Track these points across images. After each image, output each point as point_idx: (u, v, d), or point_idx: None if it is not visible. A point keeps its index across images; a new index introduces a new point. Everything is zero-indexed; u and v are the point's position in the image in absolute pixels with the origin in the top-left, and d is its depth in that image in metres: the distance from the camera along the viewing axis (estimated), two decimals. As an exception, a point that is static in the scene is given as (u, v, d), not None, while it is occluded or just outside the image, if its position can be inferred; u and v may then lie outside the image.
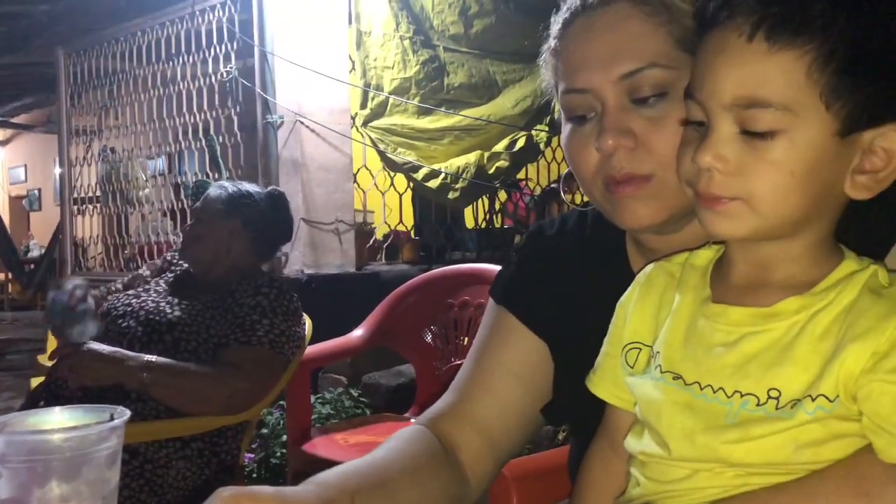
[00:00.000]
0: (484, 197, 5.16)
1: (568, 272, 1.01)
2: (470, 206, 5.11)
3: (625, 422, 0.81)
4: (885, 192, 0.68)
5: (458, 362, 2.42)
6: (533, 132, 4.72)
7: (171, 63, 4.90)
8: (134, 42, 5.15)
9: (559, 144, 5.95)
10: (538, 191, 5.79)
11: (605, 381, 0.82)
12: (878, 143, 0.65)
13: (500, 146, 4.63)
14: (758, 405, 0.67)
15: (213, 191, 2.10)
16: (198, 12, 4.63)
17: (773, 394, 0.66)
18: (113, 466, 0.67)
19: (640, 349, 0.78)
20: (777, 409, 0.66)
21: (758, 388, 0.67)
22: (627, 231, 0.95)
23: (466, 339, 2.67)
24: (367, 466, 0.83)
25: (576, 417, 0.99)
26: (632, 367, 0.78)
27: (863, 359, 0.63)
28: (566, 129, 0.90)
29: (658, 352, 0.75)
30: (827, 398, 0.64)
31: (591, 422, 0.88)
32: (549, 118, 4.78)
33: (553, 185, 6.00)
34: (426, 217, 5.08)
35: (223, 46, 4.49)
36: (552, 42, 0.92)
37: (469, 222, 5.44)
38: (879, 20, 0.62)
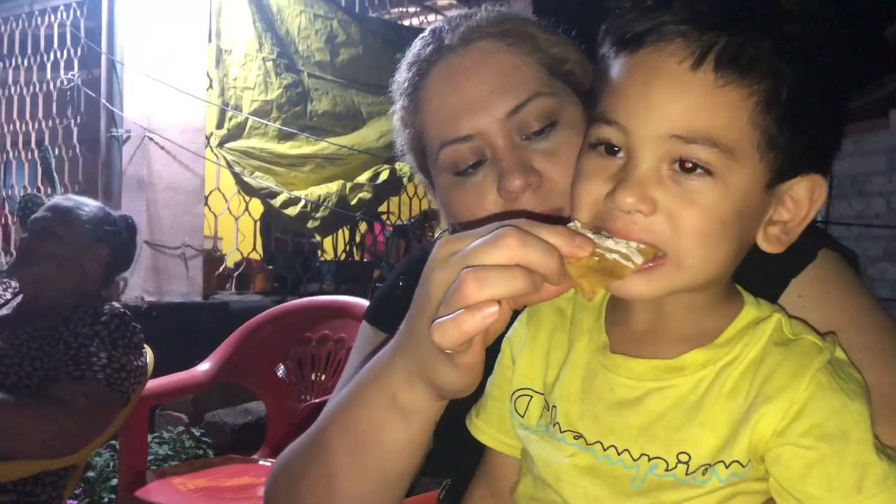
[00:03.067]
0: (344, 228, 5.05)
1: None
2: (329, 238, 4.98)
3: (510, 469, 0.75)
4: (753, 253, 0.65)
5: (315, 400, 2.30)
6: (396, 166, 4.69)
7: (0, 65, 4.46)
8: (-43, 38, 4.65)
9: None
10: (399, 224, 5.76)
11: (490, 427, 0.75)
12: (788, 194, 0.63)
13: (362, 177, 4.56)
14: (667, 470, 0.61)
15: (72, 205, 1.87)
16: (37, 12, 4.26)
17: (683, 458, 0.61)
18: None
19: (531, 397, 0.70)
20: (687, 474, 0.61)
21: (666, 451, 0.62)
22: None
23: (324, 375, 2.54)
24: None
25: (461, 467, 0.90)
26: (522, 416, 0.71)
27: (775, 420, 0.59)
28: (448, 184, 0.82)
29: (554, 406, 0.68)
30: (740, 464, 0.60)
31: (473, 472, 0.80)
32: (411, 153, 4.77)
33: (405, 224, 6.02)
34: (281, 246, 4.90)
35: (65, 52, 4.15)
36: (404, 102, 0.85)
37: (327, 254, 5.30)
38: (820, 71, 0.59)
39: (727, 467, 0.60)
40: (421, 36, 0.85)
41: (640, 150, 0.59)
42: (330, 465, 0.70)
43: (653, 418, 0.62)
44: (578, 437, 0.65)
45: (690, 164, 0.58)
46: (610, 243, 0.56)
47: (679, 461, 0.61)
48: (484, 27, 0.81)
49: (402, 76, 0.85)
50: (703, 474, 0.60)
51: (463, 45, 0.80)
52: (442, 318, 0.54)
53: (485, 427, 0.75)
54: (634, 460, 0.62)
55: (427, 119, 0.82)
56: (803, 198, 0.63)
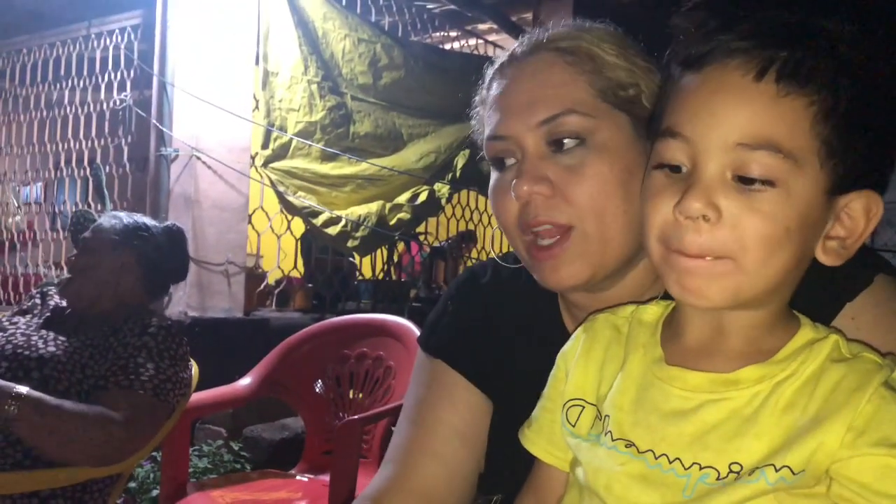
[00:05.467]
0: (382, 248, 5.10)
1: (501, 326, 0.96)
2: (367, 257, 5.04)
3: (557, 481, 0.76)
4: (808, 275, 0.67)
5: (354, 417, 2.32)
6: (435, 187, 4.74)
7: (58, 85, 4.63)
8: (17, 60, 4.84)
9: (459, 201, 6.03)
10: (437, 245, 5.80)
11: (541, 438, 0.77)
12: (845, 210, 0.65)
13: (402, 198, 4.61)
14: (718, 479, 0.63)
15: (107, 220, 1.95)
16: (93, 36, 4.41)
17: (735, 468, 0.63)
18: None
19: (583, 407, 0.73)
20: (737, 481, 0.63)
21: (718, 461, 0.63)
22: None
23: (361, 393, 2.57)
24: None
25: (511, 484, 0.92)
26: (573, 426, 0.73)
27: (840, 434, 0.61)
28: (493, 176, 0.89)
29: (607, 415, 0.70)
30: (791, 470, 0.61)
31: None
32: (450, 175, 4.82)
33: (443, 245, 6.05)
34: (321, 265, 4.96)
35: (119, 73, 4.30)
36: (483, 92, 0.91)
37: (365, 273, 5.35)
38: (879, 84, 0.62)
39: (777, 471, 0.61)
40: None
41: (705, 160, 0.62)
42: None
43: (707, 428, 0.64)
44: (630, 445, 0.67)
45: (754, 173, 0.61)
46: None
47: (731, 471, 0.63)
48: (551, 41, 0.85)
49: (490, 70, 0.91)
50: (751, 475, 0.62)
51: (527, 54, 0.86)
52: None
53: (535, 438, 0.77)
54: (686, 469, 0.64)
55: (487, 111, 0.89)
56: (859, 214, 0.65)
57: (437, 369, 0.96)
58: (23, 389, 1.58)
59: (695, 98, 0.64)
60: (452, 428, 0.92)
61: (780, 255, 0.62)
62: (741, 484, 0.62)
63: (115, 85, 4.28)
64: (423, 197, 4.68)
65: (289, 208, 4.28)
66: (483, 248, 6.27)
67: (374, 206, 4.45)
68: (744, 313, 0.66)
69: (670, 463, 0.65)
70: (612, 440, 0.68)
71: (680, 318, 0.70)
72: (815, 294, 0.72)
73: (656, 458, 0.65)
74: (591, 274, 0.82)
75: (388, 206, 4.52)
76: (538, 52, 0.85)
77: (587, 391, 0.73)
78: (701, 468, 0.63)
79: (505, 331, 0.95)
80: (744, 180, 0.61)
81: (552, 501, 0.76)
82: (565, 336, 0.85)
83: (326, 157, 4.31)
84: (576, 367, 0.75)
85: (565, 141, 0.81)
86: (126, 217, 1.97)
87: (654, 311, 0.74)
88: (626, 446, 0.67)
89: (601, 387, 0.72)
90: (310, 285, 4.83)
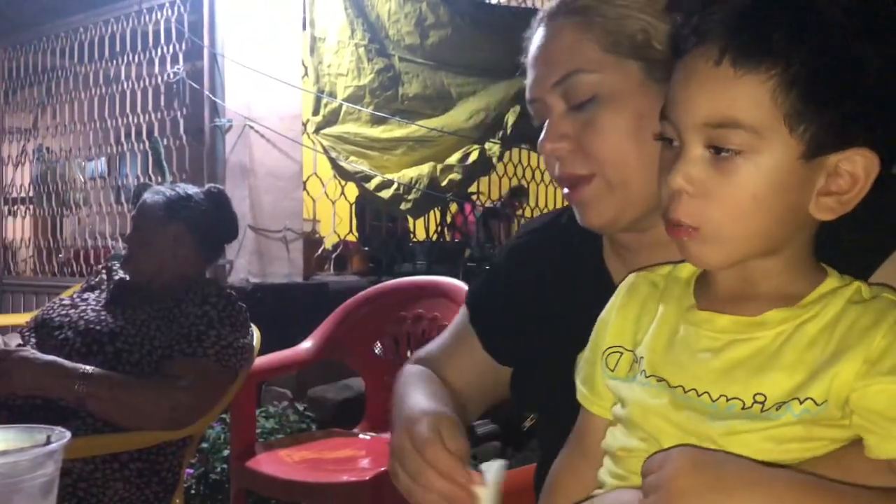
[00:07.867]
0: (435, 209, 5.13)
1: (543, 274, 1.05)
2: (421, 219, 5.07)
3: (599, 428, 0.82)
4: (860, 217, 0.70)
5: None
6: (486, 146, 4.71)
7: (114, 62, 4.74)
8: (75, 38, 4.97)
9: (511, 159, 5.99)
10: (489, 205, 5.79)
11: (583, 387, 0.83)
12: (843, 167, 0.68)
13: (453, 158, 4.60)
14: (743, 409, 0.68)
15: (150, 196, 2.00)
16: (145, 10, 4.49)
17: (759, 398, 0.68)
18: (48, 496, 0.60)
19: (621, 353, 0.79)
20: (762, 412, 0.68)
21: (744, 392, 0.68)
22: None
23: (419, 353, 2.61)
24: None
25: (549, 407, 1.01)
26: (612, 371, 0.79)
27: (856, 366, 0.65)
28: None
29: (642, 357, 0.76)
30: (814, 401, 0.66)
31: (560, 415, 0.88)
32: (501, 133, 4.78)
33: (495, 204, 6.03)
34: (375, 228, 5.03)
35: (171, 47, 4.37)
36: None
37: (419, 234, 5.40)
38: (838, 46, 0.65)
39: (801, 403, 0.66)
40: None
41: (685, 139, 0.70)
42: None
43: (733, 364, 0.70)
44: (661, 380, 0.73)
45: (721, 147, 0.67)
46: None
47: (755, 401, 0.68)
48: (562, 5, 0.91)
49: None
50: (777, 409, 0.67)
51: (545, 20, 0.92)
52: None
53: (579, 386, 0.83)
54: (713, 401, 0.69)
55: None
56: (859, 170, 0.67)
57: (466, 328, 1.09)
58: (89, 369, 1.69)
59: (675, 85, 0.72)
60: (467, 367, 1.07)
61: (751, 220, 0.68)
62: (768, 418, 0.67)
63: (168, 58, 4.37)
64: (474, 156, 4.66)
65: (342, 174, 4.33)
66: (536, 205, 6.23)
67: (425, 168, 4.46)
68: (761, 262, 0.71)
69: (699, 396, 0.70)
70: (646, 377, 0.75)
71: (710, 271, 0.76)
72: (867, 238, 0.76)
73: (685, 392, 0.71)
74: (616, 215, 0.89)
75: (440, 167, 4.52)
76: (555, 18, 0.91)
77: (625, 339, 0.79)
78: (727, 400, 0.69)
79: (544, 281, 1.04)
80: (716, 154, 0.68)
81: (594, 446, 0.81)
82: (608, 279, 0.94)
83: (376, 121, 4.33)
84: (615, 318, 0.81)
85: (577, 101, 0.88)
86: (168, 190, 2.02)
87: (689, 268, 0.79)
88: (657, 381, 0.73)
89: (637, 335, 0.78)
90: (366, 249, 4.91)
